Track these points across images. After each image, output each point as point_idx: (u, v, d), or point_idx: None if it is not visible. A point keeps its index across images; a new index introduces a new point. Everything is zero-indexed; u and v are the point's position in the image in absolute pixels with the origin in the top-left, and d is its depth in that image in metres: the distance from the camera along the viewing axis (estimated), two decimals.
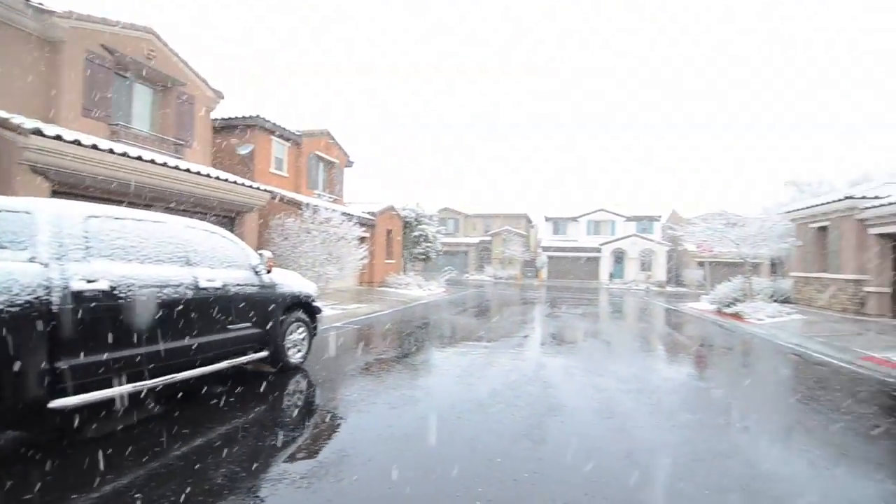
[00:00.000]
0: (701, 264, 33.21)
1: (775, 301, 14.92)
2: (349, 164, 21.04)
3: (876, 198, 12.27)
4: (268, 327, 4.96)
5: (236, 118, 14.82)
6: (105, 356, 3.19)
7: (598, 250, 38.14)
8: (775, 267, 24.66)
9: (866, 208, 12.28)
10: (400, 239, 22.38)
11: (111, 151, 7.95)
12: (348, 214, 14.34)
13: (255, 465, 2.98)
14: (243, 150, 14.89)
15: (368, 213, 19.14)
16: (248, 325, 4.74)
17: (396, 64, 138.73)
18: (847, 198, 12.92)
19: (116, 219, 3.65)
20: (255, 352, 4.87)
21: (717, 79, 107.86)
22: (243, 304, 4.62)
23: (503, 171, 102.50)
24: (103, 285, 3.24)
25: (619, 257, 38.03)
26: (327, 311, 10.26)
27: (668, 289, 32.82)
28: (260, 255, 5.11)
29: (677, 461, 3.34)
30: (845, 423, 4.40)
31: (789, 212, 15.90)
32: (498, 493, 2.70)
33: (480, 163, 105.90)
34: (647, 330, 11.72)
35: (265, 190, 12.27)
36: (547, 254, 39.75)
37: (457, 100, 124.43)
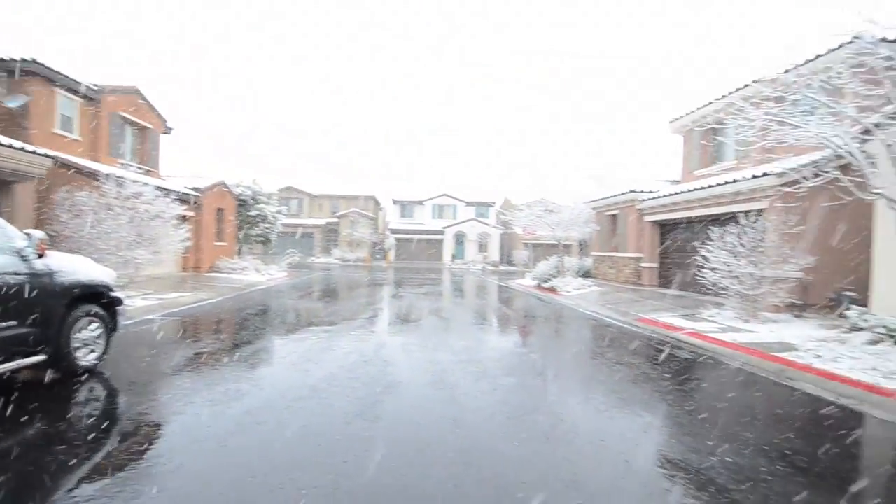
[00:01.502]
0: (526, 246, 37.58)
1: (581, 276, 17.72)
2: (167, 130, 18.10)
3: (650, 192, 15.34)
4: (43, 325, 4.02)
5: (3, 60, 11.46)
6: None
7: (442, 233, 40.21)
8: (582, 248, 29.26)
9: (643, 200, 15.28)
10: (233, 219, 20.23)
11: None
12: (165, 189, 12.39)
13: (25, 496, 2.40)
14: (13, 103, 11.65)
15: (193, 188, 16.83)
16: (13, 323, 3.77)
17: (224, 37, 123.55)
18: (630, 191, 15.89)
19: None
20: (27, 356, 3.91)
21: (541, 86, 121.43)
22: (2, 296, 3.65)
23: (353, 152, 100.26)
24: None
25: (460, 240, 40.66)
26: (138, 301, 8.80)
27: (501, 268, 36.39)
28: (27, 235, 4.07)
29: (496, 420, 3.74)
30: (623, 373, 5.47)
31: (591, 201, 18.90)
32: (322, 478, 2.65)
33: (331, 144, 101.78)
34: (480, 306, 12.83)
35: (44, 154, 9.83)
36: (395, 236, 40.43)
37: (307, 81, 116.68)
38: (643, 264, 15.40)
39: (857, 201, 6.79)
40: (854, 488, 2.76)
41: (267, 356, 5.99)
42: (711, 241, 9.26)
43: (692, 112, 14.75)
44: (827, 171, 7.02)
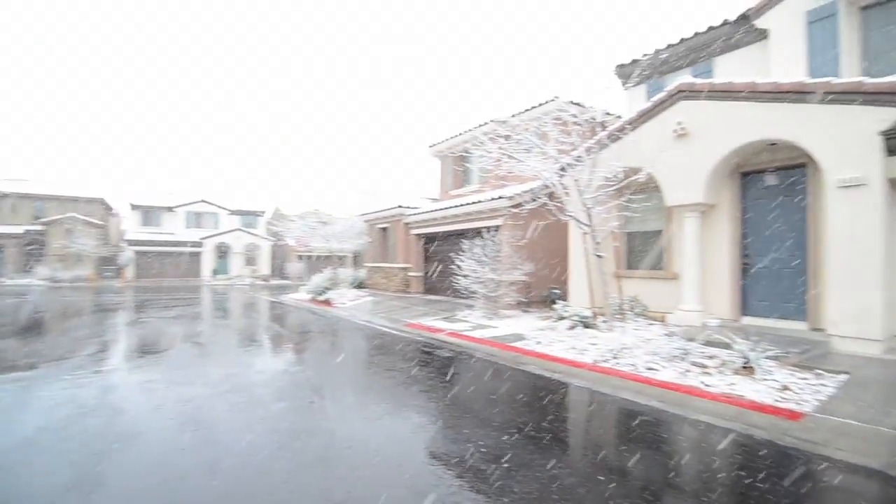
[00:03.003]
0: (301, 258, 36.28)
1: (356, 287, 18.06)
2: None
3: (415, 208, 16.81)
4: None
5: None
6: None
7: (200, 244, 35.15)
8: (357, 259, 29.95)
9: (409, 215, 16.64)
10: None
11: None
12: None
13: None
14: None
15: None
16: None
17: None
18: (398, 206, 17.11)
19: None
20: None
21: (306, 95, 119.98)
22: None
23: (76, 145, 78.36)
24: None
25: (223, 252, 36.31)
26: None
27: (273, 282, 34.03)
28: None
29: (264, 454, 3.42)
30: (394, 378, 5.76)
31: (363, 214, 19.57)
32: None
33: (41, 129, 76.92)
34: (246, 326, 11.67)
35: None
36: (134, 248, 33.23)
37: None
38: (411, 273, 16.71)
39: (560, 221, 8.89)
40: (564, 439, 3.56)
41: None
42: (463, 251, 10.74)
43: (447, 140, 16.90)
44: (540, 198, 8.99)
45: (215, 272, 35.35)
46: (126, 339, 9.19)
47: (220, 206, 38.44)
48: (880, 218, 5.65)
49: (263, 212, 40.49)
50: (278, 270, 38.22)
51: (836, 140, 5.96)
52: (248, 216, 39.59)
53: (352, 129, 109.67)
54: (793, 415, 4.06)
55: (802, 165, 6.88)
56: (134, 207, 35.75)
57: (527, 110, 13.21)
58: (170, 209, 36.63)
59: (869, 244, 5.69)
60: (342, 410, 4.62)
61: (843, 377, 4.90)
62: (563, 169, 8.32)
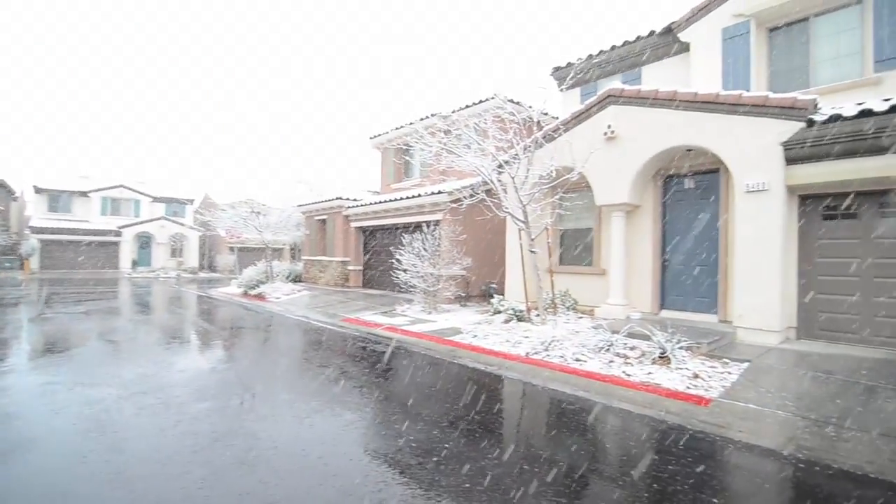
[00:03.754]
0: (233, 250, 34.41)
1: (292, 281, 17.42)
2: None
3: (355, 200, 16.46)
4: None
5: None
6: None
7: (119, 234, 32.31)
8: (294, 252, 28.88)
9: (348, 207, 16.28)
10: None
11: None
12: None
13: None
14: None
15: None
16: None
17: None
18: (337, 198, 16.68)
19: None
20: None
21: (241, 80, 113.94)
22: None
23: None
24: None
25: (145, 242, 33.64)
26: None
27: (202, 275, 32.03)
28: None
29: (178, 459, 3.20)
30: (326, 375, 5.61)
31: (301, 206, 18.89)
32: None
33: None
34: (168, 322, 10.88)
35: None
36: (40, 236, 29.93)
37: None
38: (350, 267, 16.37)
39: (497, 217, 9.06)
40: (494, 430, 3.63)
41: None
42: (403, 245, 10.67)
43: (387, 132, 16.67)
44: (479, 193, 9.10)
45: (136, 264, 32.70)
46: (26, 336, 8.26)
47: (141, 193, 35.52)
48: (780, 221, 6.26)
49: (191, 200, 37.93)
50: (207, 263, 36.06)
51: (745, 148, 6.52)
52: (174, 204, 36.92)
53: (293, 118, 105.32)
54: (701, 400, 4.40)
55: (716, 171, 7.47)
56: (38, 191, 32.16)
57: (468, 106, 13.33)
58: (83, 194, 33.35)
59: (769, 245, 6.29)
60: (270, 409, 4.42)
61: (745, 365, 5.39)
62: (500, 166, 8.47)
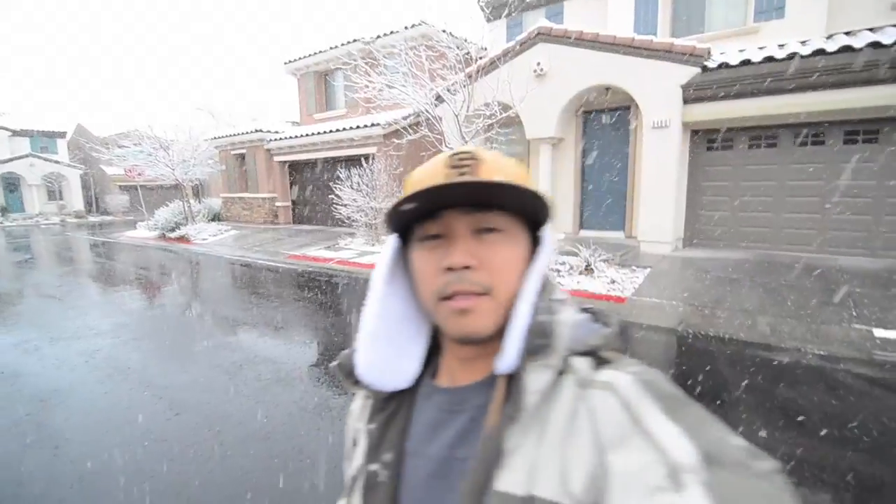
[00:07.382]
0: (125, 189, 30.96)
1: (212, 221, 16.62)
2: None
3: (276, 133, 15.70)
4: None
5: None
6: None
7: None
8: (198, 189, 26.71)
9: (270, 141, 15.52)
10: None
11: None
12: None
13: None
14: None
15: None
16: None
17: None
18: (257, 131, 15.75)
19: None
20: None
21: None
22: None
23: None
24: None
25: (12, 185, 28.93)
26: None
27: (91, 219, 28.71)
28: None
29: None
30: (274, 308, 6.08)
31: (213, 139, 17.52)
32: None
33: None
34: (99, 273, 10.22)
35: None
36: None
37: None
38: (278, 203, 15.96)
39: (431, 150, 9.52)
40: None
41: None
42: (340, 180, 10.80)
43: (306, 57, 15.64)
44: (419, 125, 9.41)
45: (6, 211, 28.29)
46: None
47: None
48: (676, 153, 7.53)
49: (63, 133, 32.67)
50: (95, 205, 32.19)
51: (652, 89, 7.56)
52: (43, 138, 31.60)
53: (196, 51, 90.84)
54: (619, 299, 5.64)
55: (629, 108, 8.53)
56: None
57: (394, 32, 12.98)
58: None
59: (667, 173, 7.59)
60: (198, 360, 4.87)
61: (647, 270, 6.78)
62: (437, 98, 8.79)
